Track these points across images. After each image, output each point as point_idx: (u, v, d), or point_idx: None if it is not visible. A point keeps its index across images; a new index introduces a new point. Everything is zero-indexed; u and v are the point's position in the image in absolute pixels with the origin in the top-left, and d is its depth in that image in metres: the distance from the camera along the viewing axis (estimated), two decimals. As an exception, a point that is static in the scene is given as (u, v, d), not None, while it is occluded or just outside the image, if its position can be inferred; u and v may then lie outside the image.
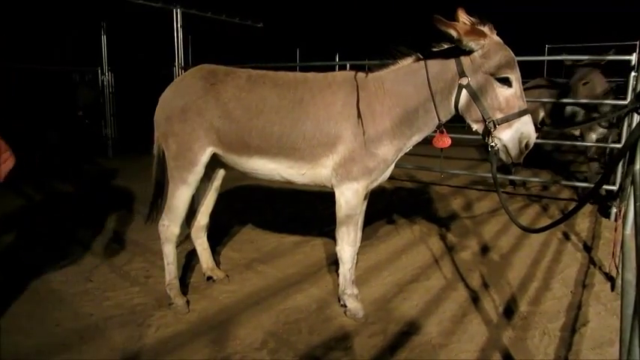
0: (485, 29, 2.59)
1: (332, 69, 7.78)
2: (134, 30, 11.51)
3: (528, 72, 4.18)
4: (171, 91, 3.11)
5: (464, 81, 2.63)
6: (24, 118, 9.01)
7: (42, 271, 3.69)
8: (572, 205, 5.66)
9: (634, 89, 4.79)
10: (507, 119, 2.57)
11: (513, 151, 2.63)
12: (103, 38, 9.49)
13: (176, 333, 2.87)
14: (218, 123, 2.91)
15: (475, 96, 2.60)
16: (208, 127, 2.93)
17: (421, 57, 2.79)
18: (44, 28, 11.61)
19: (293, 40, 13.48)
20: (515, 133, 2.58)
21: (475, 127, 2.70)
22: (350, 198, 2.91)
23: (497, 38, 2.62)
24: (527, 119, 2.59)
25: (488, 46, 2.57)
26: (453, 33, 2.49)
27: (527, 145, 2.61)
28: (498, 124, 2.57)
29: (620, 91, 6.16)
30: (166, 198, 3.17)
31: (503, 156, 2.67)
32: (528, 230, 2.62)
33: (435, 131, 2.87)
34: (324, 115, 2.82)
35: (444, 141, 2.83)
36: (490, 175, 6.29)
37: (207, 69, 3.06)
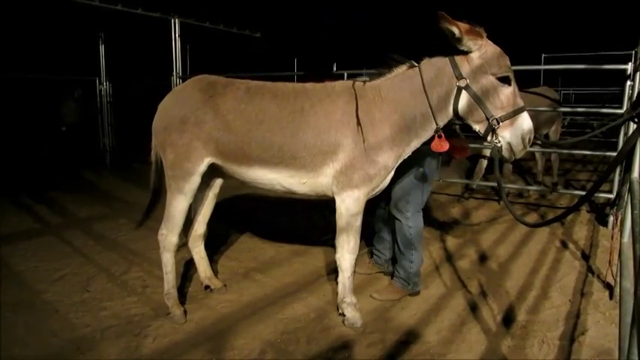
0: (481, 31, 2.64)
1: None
2: (132, 40, 11.54)
3: (525, 81, 4.21)
4: (170, 100, 3.12)
5: (462, 83, 2.66)
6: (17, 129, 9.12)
7: (39, 281, 3.69)
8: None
9: (630, 98, 4.82)
10: (509, 116, 2.62)
11: (518, 147, 2.67)
12: (101, 48, 9.52)
13: (173, 343, 2.86)
14: (217, 134, 2.92)
15: (476, 96, 2.63)
16: (207, 138, 2.93)
17: (415, 64, 2.84)
18: (43, 38, 11.66)
19: (291, 50, 13.53)
20: (518, 130, 2.64)
21: (477, 127, 2.73)
22: (351, 205, 2.91)
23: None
24: (526, 115, 2.65)
25: (485, 46, 2.63)
26: (455, 30, 2.53)
27: (529, 139, 2.67)
28: (501, 122, 2.61)
29: (616, 100, 6.20)
30: (163, 206, 3.17)
31: (506, 153, 2.70)
32: (528, 224, 2.72)
33: (434, 136, 2.89)
34: (324, 123, 2.83)
35: (442, 145, 2.84)
36: (486, 183, 6.36)
37: (207, 80, 3.07)
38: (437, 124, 2.81)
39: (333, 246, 3.11)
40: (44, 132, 9.68)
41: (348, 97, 2.88)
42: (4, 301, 3.33)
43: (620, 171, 4.78)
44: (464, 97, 2.68)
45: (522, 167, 8.43)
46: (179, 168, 2.98)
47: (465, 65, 2.66)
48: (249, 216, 5.61)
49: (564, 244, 4.61)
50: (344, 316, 3.08)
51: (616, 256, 3.35)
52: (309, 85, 3.02)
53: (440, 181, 6.46)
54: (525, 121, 2.65)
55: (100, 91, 9.75)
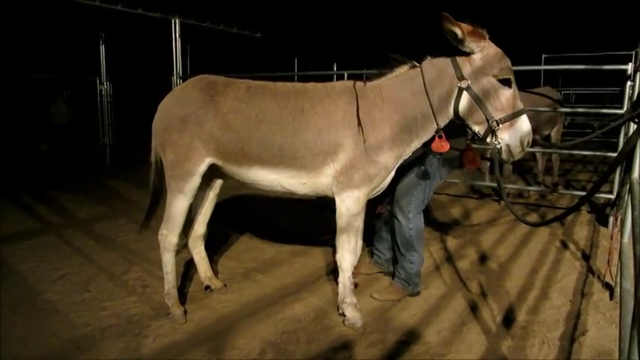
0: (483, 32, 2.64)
1: (330, 78, 7.83)
2: (132, 40, 11.55)
3: (525, 82, 4.22)
4: (170, 100, 3.12)
5: (464, 84, 2.66)
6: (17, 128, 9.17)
7: (39, 281, 3.69)
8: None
9: (630, 98, 4.82)
10: (509, 118, 2.64)
11: (516, 150, 2.70)
12: (102, 48, 9.52)
13: (173, 343, 2.86)
14: (217, 134, 2.92)
15: (477, 98, 2.64)
16: (207, 138, 2.93)
17: (417, 64, 2.84)
18: (44, 37, 11.67)
19: (291, 50, 13.53)
20: (517, 132, 2.66)
21: (476, 128, 2.74)
22: (351, 205, 2.91)
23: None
24: (525, 118, 2.67)
25: (487, 48, 2.64)
26: (458, 32, 2.53)
27: (528, 142, 2.69)
28: (501, 123, 2.63)
29: (616, 101, 6.20)
30: (164, 207, 3.17)
31: (504, 155, 2.72)
32: (529, 223, 2.84)
33: (434, 136, 2.89)
34: (325, 123, 2.83)
35: (443, 146, 2.84)
36: (486, 183, 6.36)
37: (208, 80, 3.07)
38: (437, 125, 2.82)
39: (333, 246, 3.11)
40: (42, 131, 9.69)
41: (348, 97, 2.88)
42: (4, 301, 3.33)
43: (621, 171, 4.78)
44: (465, 98, 2.69)
45: (523, 167, 8.43)
46: (179, 168, 2.98)
47: (466, 66, 2.67)
48: (249, 216, 5.61)
49: (564, 245, 4.61)
50: (344, 316, 3.08)
51: (616, 257, 3.35)
52: (309, 85, 3.02)
53: (441, 181, 6.46)
54: (524, 124, 2.66)
55: (101, 90, 9.75)
